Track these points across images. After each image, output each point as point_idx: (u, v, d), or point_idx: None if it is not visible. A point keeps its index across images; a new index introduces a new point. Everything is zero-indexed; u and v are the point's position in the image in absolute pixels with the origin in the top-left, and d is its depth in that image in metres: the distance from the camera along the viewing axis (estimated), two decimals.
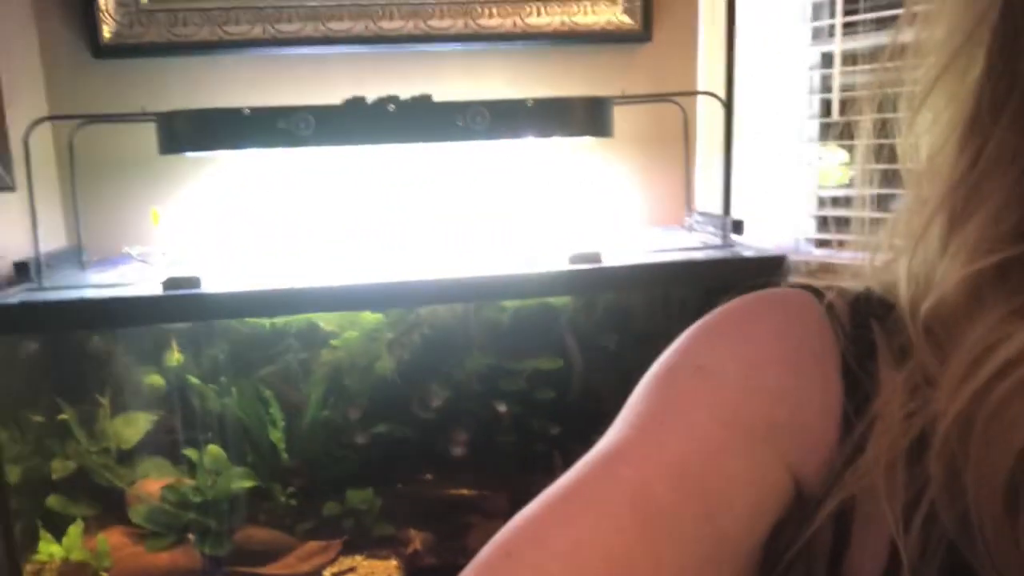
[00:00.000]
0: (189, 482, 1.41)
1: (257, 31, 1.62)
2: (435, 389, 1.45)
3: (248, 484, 1.43)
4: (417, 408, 1.46)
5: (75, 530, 1.35)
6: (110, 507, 1.40)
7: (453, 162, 1.66)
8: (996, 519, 0.36)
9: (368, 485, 1.46)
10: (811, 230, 1.77)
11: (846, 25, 1.65)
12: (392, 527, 1.46)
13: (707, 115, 1.78)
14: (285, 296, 1.27)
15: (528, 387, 1.49)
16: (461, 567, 0.38)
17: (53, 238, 1.53)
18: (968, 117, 0.39)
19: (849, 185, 1.71)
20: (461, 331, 1.50)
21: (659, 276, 1.36)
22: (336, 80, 1.65)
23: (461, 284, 1.32)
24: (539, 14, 1.71)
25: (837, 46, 1.66)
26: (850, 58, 1.66)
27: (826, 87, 1.75)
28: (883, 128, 0.46)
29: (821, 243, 1.75)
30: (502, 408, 1.46)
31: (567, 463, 0.42)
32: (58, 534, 1.35)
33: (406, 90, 1.42)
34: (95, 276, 1.39)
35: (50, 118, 1.47)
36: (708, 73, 1.79)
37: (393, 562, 1.44)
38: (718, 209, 1.56)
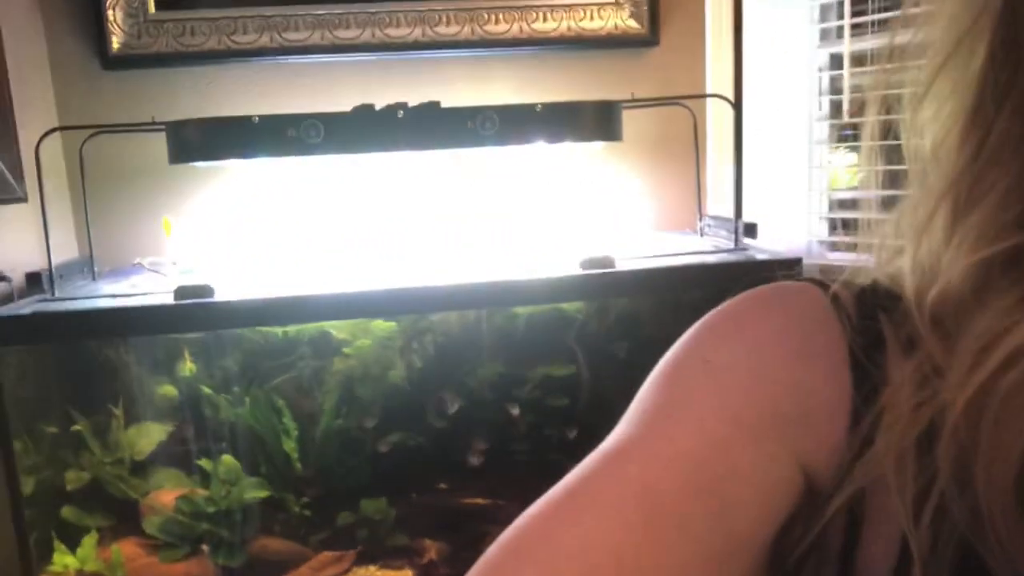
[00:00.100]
0: (203, 492, 1.40)
1: (265, 40, 1.62)
2: (450, 396, 1.45)
3: (262, 494, 1.42)
4: (432, 416, 1.46)
5: (89, 541, 1.35)
6: (124, 518, 1.39)
7: (463, 168, 1.65)
8: (1006, 509, 0.35)
9: (382, 495, 1.45)
10: (823, 233, 1.76)
11: (854, 26, 1.65)
12: (406, 537, 1.45)
13: (716, 118, 1.78)
14: (297, 304, 1.27)
15: (541, 394, 1.49)
16: None
17: (64, 249, 1.53)
18: (971, 107, 0.39)
19: (861, 187, 1.70)
20: (473, 338, 1.49)
21: (672, 281, 1.36)
22: (344, 88, 1.65)
23: (473, 290, 1.31)
24: (546, 19, 1.71)
25: (846, 47, 1.66)
26: (859, 59, 1.66)
27: (835, 89, 1.75)
28: (891, 129, 0.46)
29: (834, 246, 1.75)
30: (515, 411, 1.45)
31: None
32: (72, 545, 1.35)
33: (414, 97, 1.42)
34: (107, 286, 1.39)
35: (60, 128, 1.47)
36: (716, 76, 1.79)
37: (408, 572, 1.43)
38: (729, 213, 1.56)
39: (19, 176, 1.38)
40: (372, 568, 1.43)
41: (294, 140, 1.34)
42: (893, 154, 0.46)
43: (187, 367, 1.42)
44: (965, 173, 0.39)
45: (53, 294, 1.31)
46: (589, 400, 1.49)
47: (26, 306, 1.24)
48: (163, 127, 1.37)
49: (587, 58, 1.75)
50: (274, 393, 1.43)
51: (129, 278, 1.46)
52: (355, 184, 1.63)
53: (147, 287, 1.35)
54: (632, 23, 1.73)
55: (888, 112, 0.46)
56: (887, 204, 0.46)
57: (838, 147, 1.76)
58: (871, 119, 0.47)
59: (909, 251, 0.42)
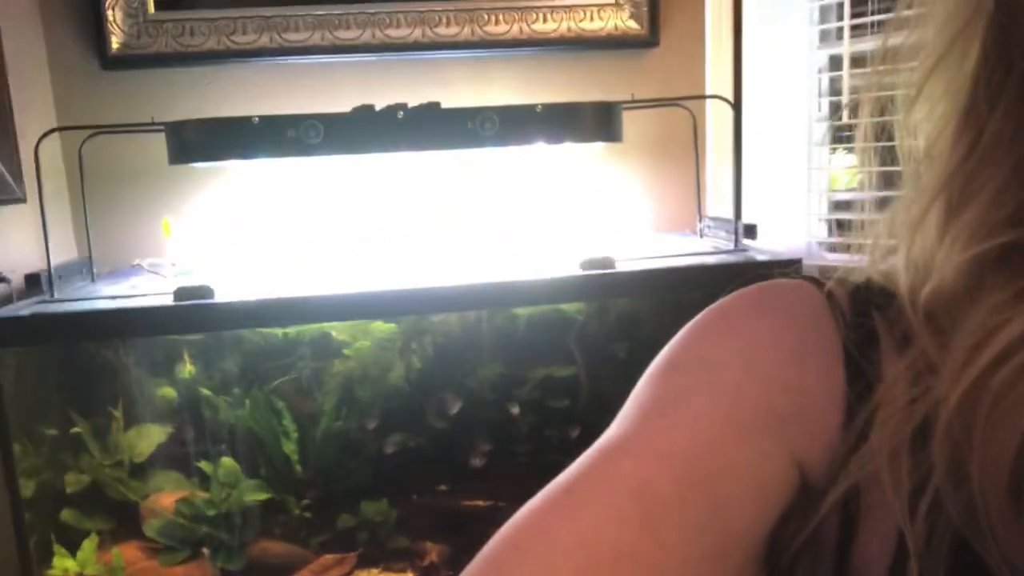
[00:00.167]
0: (203, 495, 1.40)
1: (264, 40, 1.61)
2: (450, 397, 1.44)
3: (262, 497, 1.41)
4: (432, 418, 1.45)
5: (89, 544, 1.34)
6: (124, 521, 1.39)
7: (463, 169, 1.65)
8: (1001, 505, 0.35)
9: (383, 496, 1.45)
10: (823, 234, 1.76)
11: (854, 27, 1.65)
12: (407, 539, 1.45)
13: (716, 119, 1.77)
14: (297, 306, 1.26)
15: (542, 395, 1.48)
16: None
17: (63, 250, 1.52)
18: (964, 106, 0.39)
19: (859, 188, 1.70)
20: (473, 339, 1.49)
21: (672, 282, 1.36)
22: (344, 88, 1.65)
23: (473, 291, 1.31)
24: (545, 20, 1.71)
25: (845, 49, 1.66)
26: (859, 61, 1.66)
27: (835, 90, 1.75)
28: (885, 130, 0.46)
29: (833, 247, 1.75)
30: (515, 410, 1.45)
31: None
32: (72, 548, 1.34)
33: (414, 98, 1.42)
34: (106, 288, 1.39)
35: (60, 129, 1.47)
36: (716, 77, 1.79)
37: (409, 575, 1.43)
38: (729, 214, 1.55)
39: (18, 177, 1.38)
40: (373, 571, 1.43)
41: (294, 141, 1.34)
42: (888, 155, 0.46)
43: (187, 369, 1.41)
44: (958, 172, 0.39)
45: (52, 295, 1.30)
46: (590, 401, 1.49)
47: (25, 307, 1.23)
48: (162, 128, 1.37)
49: (587, 59, 1.75)
50: (274, 395, 1.43)
51: (128, 279, 1.46)
52: (355, 185, 1.63)
53: (146, 288, 1.35)
54: (632, 24, 1.73)
55: (882, 113, 0.46)
56: (883, 205, 0.46)
57: (836, 148, 1.76)
58: (864, 120, 0.47)
59: (903, 249, 0.43)
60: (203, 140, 1.37)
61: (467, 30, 1.68)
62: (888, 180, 0.49)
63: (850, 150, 1.73)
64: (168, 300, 1.24)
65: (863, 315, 0.43)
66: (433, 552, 1.44)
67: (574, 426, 1.47)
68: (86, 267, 1.49)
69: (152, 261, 1.50)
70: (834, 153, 1.75)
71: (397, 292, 1.28)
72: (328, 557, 1.43)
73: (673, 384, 0.43)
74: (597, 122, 1.50)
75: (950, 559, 0.37)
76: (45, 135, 1.37)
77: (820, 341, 0.43)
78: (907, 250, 0.42)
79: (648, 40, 1.74)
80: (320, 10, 1.62)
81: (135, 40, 1.57)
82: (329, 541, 1.44)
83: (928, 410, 0.38)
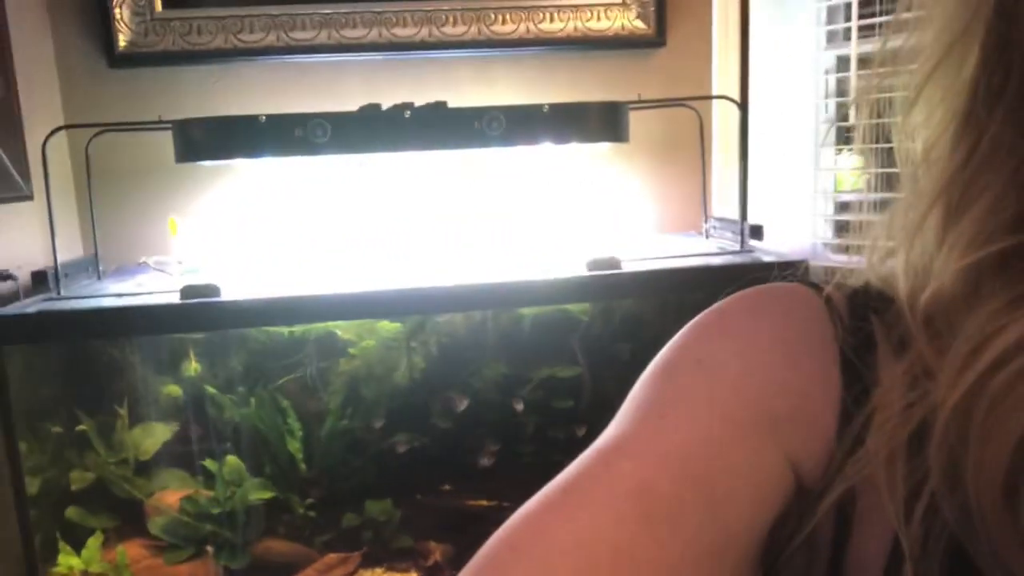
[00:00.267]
0: (207, 493, 1.40)
1: (271, 39, 1.61)
2: (457, 396, 1.44)
3: (266, 495, 1.42)
4: (437, 417, 1.45)
5: (94, 542, 1.34)
6: (129, 519, 1.39)
7: (469, 169, 1.65)
8: (996, 509, 0.36)
9: (387, 496, 1.45)
10: (829, 235, 1.76)
11: (862, 28, 1.64)
12: (411, 539, 1.45)
13: (722, 120, 1.77)
14: (303, 305, 1.26)
15: (547, 395, 1.48)
16: None
17: (70, 247, 1.52)
18: (963, 111, 0.39)
19: (865, 189, 1.70)
20: (479, 339, 1.49)
21: (678, 282, 1.35)
22: (350, 87, 1.65)
23: (479, 291, 1.31)
24: (552, 20, 1.70)
25: (853, 49, 1.66)
26: (866, 62, 1.65)
27: (841, 91, 1.74)
28: (886, 132, 0.46)
29: (839, 248, 1.74)
30: (519, 406, 1.45)
31: None
32: (77, 546, 1.34)
33: (420, 97, 1.42)
34: (113, 285, 1.39)
35: (67, 127, 1.47)
36: (723, 78, 1.79)
37: (413, 575, 1.43)
38: (734, 214, 1.55)
39: (25, 174, 1.38)
40: (378, 570, 1.43)
41: (301, 140, 1.34)
42: (891, 157, 0.46)
43: (192, 367, 1.42)
44: (956, 177, 0.39)
45: (59, 293, 1.31)
46: (594, 401, 1.49)
47: (31, 305, 1.24)
48: (169, 126, 1.37)
49: (594, 59, 1.75)
50: (279, 393, 1.43)
51: (135, 277, 1.46)
52: (361, 184, 1.63)
53: (153, 286, 1.35)
54: (639, 24, 1.73)
55: (880, 116, 0.46)
56: (885, 206, 0.46)
57: (842, 149, 1.76)
58: (863, 122, 0.47)
59: (902, 253, 0.43)
60: (210, 139, 1.38)
61: (474, 29, 1.68)
62: (892, 182, 0.49)
63: (865, 151, 1.72)
64: (174, 298, 1.24)
65: (861, 319, 0.44)
66: (437, 552, 1.44)
67: (579, 426, 1.47)
68: (92, 265, 1.49)
69: (158, 259, 1.51)
70: (840, 154, 1.75)
71: (403, 292, 1.28)
72: (332, 556, 1.43)
73: (671, 385, 0.44)
74: (603, 122, 1.50)
75: (945, 563, 0.37)
76: (52, 133, 1.37)
77: (817, 344, 0.43)
78: (906, 254, 0.43)
79: (655, 40, 1.74)
80: (327, 9, 1.62)
81: (142, 38, 1.57)
82: (333, 540, 1.44)
83: (925, 414, 0.38)
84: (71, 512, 1.36)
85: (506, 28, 1.69)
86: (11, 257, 1.32)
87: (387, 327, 1.44)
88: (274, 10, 1.61)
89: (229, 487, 1.40)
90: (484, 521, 1.46)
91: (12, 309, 1.21)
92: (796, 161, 1.76)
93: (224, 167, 1.59)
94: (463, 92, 1.65)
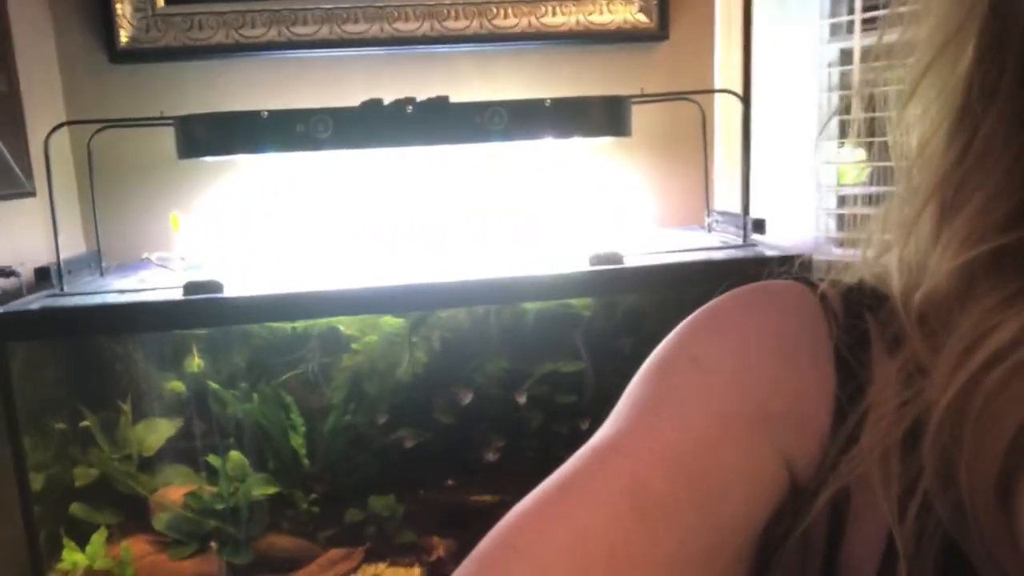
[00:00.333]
0: (211, 489, 1.40)
1: (273, 34, 1.61)
2: (461, 390, 1.44)
3: (270, 491, 1.42)
4: (439, 413, 1.45)
5: (98, 538, 1.35)
6: (133, 515, 1.39)
7: (471, 163, 1.65)
8: (989, 507, 0.36)
9: (390, 491, 1.45)
10: (832, 229, 1.76)
11: (865, 21, 1.64)
12: (414, 534, 1.45)
13: (725, 114, 1.77)
14: (305, 300, 1.27)
15: (550, 390, 1.48)
16: None
17: (72, 244, 1.52)
18: (958, 107, 0.39)
19: (868, 183, 1.69)
20: (482, 334, 1.49)
21: (680, 277, 1.35)
22: (352, 82, 1.64)
23: (482, 286, 1.31)
24: (555, 14, 1.70)
25: (856, 42, 1.65)
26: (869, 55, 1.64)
27: (845, 84, 1.73)
28: (881, 126, 0.46)
29: (841, 242, 1.74)
30: (522, 399, 1.45)
31: None
32: (82, 542, 1.35)
33: (422, 92, 1.42)
34: (115, 282, 1.39)
35: (69, 123, 1.47)
36: (725, 71, 1.78)
37: (416, 570, 1.43)
38: (737, 208, 1.55)
39: (27, 171, 1.38)
40: (381, 565, 1.43)
41: (303, 135, 1.34)
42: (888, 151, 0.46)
43: (195, 363, 1.42)
44: (951, 175, 0.40)
45: (62, 289, 1.31)
46: (597, 396, 1.49)
47: (35, 301, 1.24)
48: (171, 122, 1.37)
49: (596, 53, 1.74)
50: (282, 389, 1.43)
51: (137, 273, 1.46)
52: (363, 179, 1.63)
53: (155, 282, 1.35)
54: (641, 17, 1.72)
55: (876, 110, 0.46)
56: (887, 200, 0.46)
57: (844, 143, 1.75)
58: (859, 116, 0.48)
59: (896, 250, 0.43)
60: (212, 134, 1.38)
61: (476, 24, 1.67)
62: (893, 175, 0.49)
63: (859, 144, 1.72)
64: (177, 294, 1.24)
65: (856, 317, 0.44)
66: (440, 547, 1.44)
67: (582, 421, 1.47)
68: (95, 261, 1.49)
69: (160, 255, 1.51)
70: (842, 147, 1.74)
71: (405, 287, 1.28)
72: (335, 551, 1.43)
73: (666, 383, 0.44)
74: (606, 116, 1.50)
75: (939, 560, 0.37)
76: (54, 129, 1.37)
77: (812, 342, 0.43)
78: (901, 251, 0.43)
79: (657, 34, 1.74)
80: (328, 4, 1.62)
81: (144, 34, 1.57)
82: (336, 535, 1.44)
83: (919, 413, 0.38)
84: (75, 508, 1.36)
85: (508, 22, 1.69)
86: (14, 253, 1.32)
87: (390, 322, 1.44)
88: (275, 5, 1.60)
89: (232, 483, 1.40)
90: (487, 516, 1.45)
91: (15, 305, 1.22)
92: (799, 155, 1.76)
93: (226, 163, 1.59)
94: (465, 87, 1.64)
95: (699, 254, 1.42)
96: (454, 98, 1.41)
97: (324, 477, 1.45)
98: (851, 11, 1.67)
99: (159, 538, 1.38)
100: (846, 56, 1.72)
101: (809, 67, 1.74)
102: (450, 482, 1.50)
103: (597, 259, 1.33)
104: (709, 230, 1.68)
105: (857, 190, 1.73)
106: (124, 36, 1.56)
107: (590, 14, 1.71)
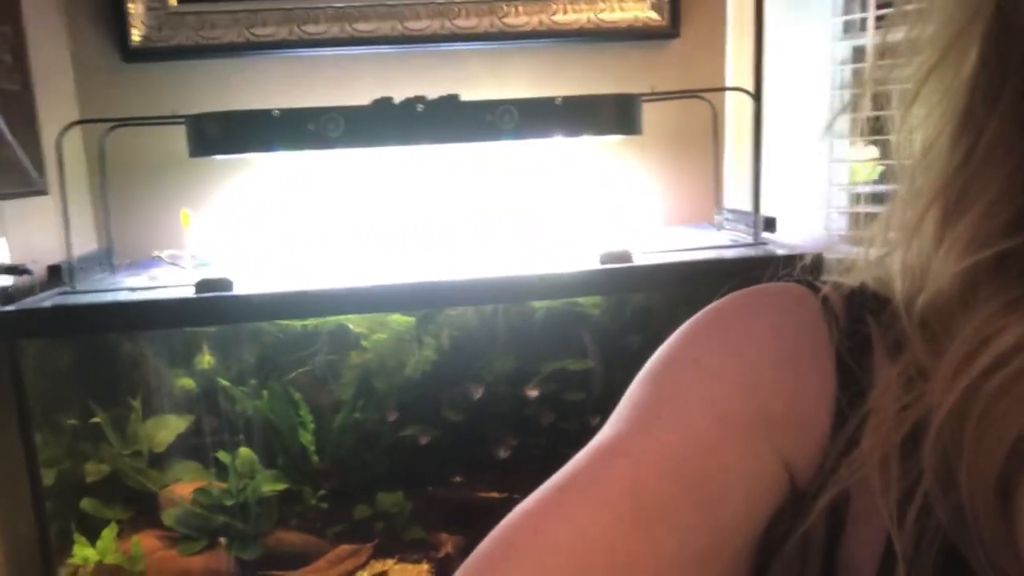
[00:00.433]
0: (220, 485, 1.41)
1: (284, 33, 1.62)
2: (471, 386, 1.44)
3: (279, 487, 1.42)
4: (448, 409, 1.46)
5: (109, 533, 1.36)
6: (143, 510, 1.40)
7: (481, 162, 1.65)
8: (989, 511, 0.36)
9: (398, 488, 1.46)
10: (843, 227, 1.75)
11: (878, 18, 1.63)
12: (423, 531, 1.46)
13: (736, 111, 1.76)
14: (316, 298, 1.27)
15: (558, 388, 1.48)
16: None
17: (84, 242, 1.53)
18: (962, 110, 0.39)
19: (880, 181, 1.68)
20: (491, 332, 1.49)
21: (691, 275, 1.35)
22: (363, 81, 1.65)
23: (491, 285, 1.31)
24: (565, 12, 1.70)
25: (869, 40, 1.64)
26: (882, 53, 1.63)
27: (858, 82, 1.72)
28: (884, 125, 0.46)
29: (853, 240, 1.73)
30: (533, 393, 1.45)
31: None
32: (92, 537, 1.36)
33: (433, 90, 1.42)
34: (127, 279, 1.40)
35: (81, 122, 1.48)
36: (737, 69, 1.77)
37: (425, 566, 1.43)
38: (748, 206, 1.54)
39: (40, 169, 1.39)
40: (389, 561, 1.43)
41: (314, 133, 1.35)
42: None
43: (205, 360, 1.43)
44: (954, 179, 0.39)
45: (73, 287, 1.32)
46: (606, 394, 1.48)
47: (47, 299, 1.25)
48: (183, 120, 1.38)
49: (607, 50, 1.74)
50: (291, 386, 1.43)
51: (148, 271, 1.47)
52: (374, 178, 1.63)
53: (166, 280, 1.36)
54: (652, 15, 1.72)
55: (883, 108, 0.46)
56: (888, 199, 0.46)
57: (855, 141, 1.74)
58: (865, 114, 0.48)
59: (899, 253, 0.43)
60: (223, 133, 1.38)
61: (486, 22, 1.67)
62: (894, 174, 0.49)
63: (872, 142, 1.70)
64: (188, 292, 1.24)
65: (857, 320, 0.44)
66: (448, 543, 1.45)
67: (590, 419, 1.47)
68: (107, 259, 1.50)
69: (172, 253, 1.52)
70: (854, 145, 1.73)
71: (414, 285, 1.29)
72: (344, 548, 1.43)
73: (667, 385, 0.44)
74: (616, 115, 1.50)
75: (938, 564, 0.37)
76: (67, 127, 1.38)
77: (813, 345, 0.43)
78: (903, 254, 0.43)
79: (669, 31, 1.73)
80: (340, 2, 1.62)
81: (156, 33, 1.58)
82: (345, 532, 1.45)
83: (919, 417, 0.38)
84: (86, 504, 1.37)
85: (519, 20, 1.68)
86: (26, 251, 1.33)
87: (399, 320, 1.44)
88: (287, 4, 1.61)
89: (242, 479, 1.41)
90: (495, 513, 1.44)
91: (28, 303, 1.23)
92: (810, 153, 1.75)
93: (238, 161, 1.59)
94: (476, 85, 1.64)
95: (709, 252, 1.42)
96: (465, 96, 1.41)
97: (333, 474, 1.45)
98: (864, 8, 1.66)
99: (169, 533, 1.39)
100: (859, 54, 1.71)
101: (822, 65, 1.73)
102: (458, 479, 1.50)
103: (607, 257, 1.33)
104: (719, 228, 1.67)
105: (869, 188, 1.72)
106: (136, 35, 1.57)
107: (601, 12, 1.70)
